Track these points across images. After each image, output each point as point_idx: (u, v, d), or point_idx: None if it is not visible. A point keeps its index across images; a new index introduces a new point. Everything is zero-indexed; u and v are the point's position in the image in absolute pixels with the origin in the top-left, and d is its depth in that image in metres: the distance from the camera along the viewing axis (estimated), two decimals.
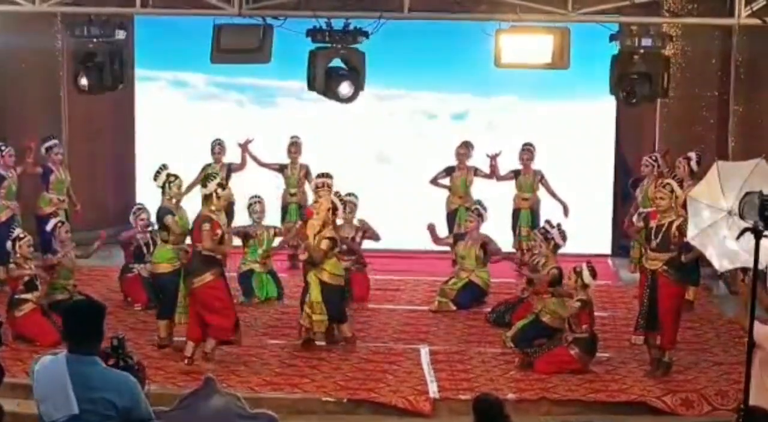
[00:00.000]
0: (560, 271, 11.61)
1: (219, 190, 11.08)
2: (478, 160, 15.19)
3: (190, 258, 11.15)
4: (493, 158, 15.11)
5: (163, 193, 11.55)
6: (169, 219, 11.40)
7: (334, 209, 11.79)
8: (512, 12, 12.88)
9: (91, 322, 5.90)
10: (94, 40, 13.63)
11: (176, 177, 11.57)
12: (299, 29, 13.07)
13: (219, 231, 10.96)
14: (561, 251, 12.23)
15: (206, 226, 10.89)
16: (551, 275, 11.62)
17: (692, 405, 10.24)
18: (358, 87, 13.09)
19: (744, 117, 15.18)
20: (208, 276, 10.89)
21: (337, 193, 12.04)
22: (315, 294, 11.51)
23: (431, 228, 13.69)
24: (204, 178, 11.79)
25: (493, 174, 15.17)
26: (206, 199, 11.18)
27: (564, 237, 12.12)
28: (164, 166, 11.65)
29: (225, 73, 16.22)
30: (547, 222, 12.53)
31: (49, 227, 12.41)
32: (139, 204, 13.78)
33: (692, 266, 12.76)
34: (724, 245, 8.05)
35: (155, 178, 11.66)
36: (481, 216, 13.60)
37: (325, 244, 11.46)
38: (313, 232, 11.56)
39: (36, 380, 5.94)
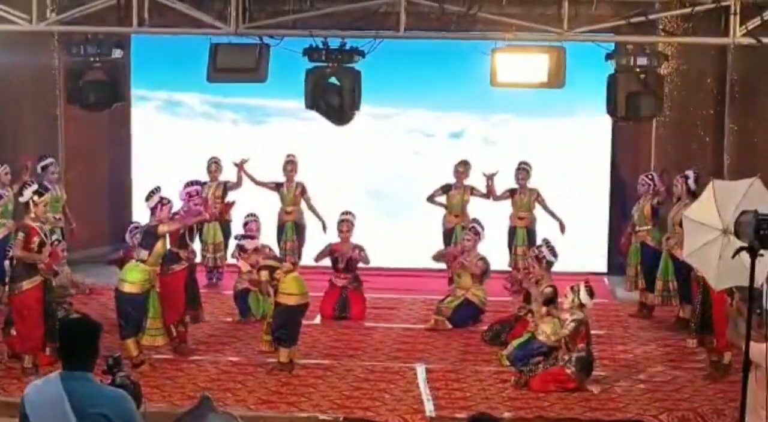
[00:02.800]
0: (555, 290, 11.63)
1: (35, 198, 11.22)
2: (475, 179, 15.22)
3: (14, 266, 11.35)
4: (490, 178, 15.14)
5: (152, 214, 11.71)
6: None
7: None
8: (508, 31, 12.92)
9: (87, 340, 5.89)
10: (91, 59, 13.68)
11: (168, 201, 11.73)
12: (296, 48, 13.12)
13: (35, 240, 11.06)
14: (557, 269, 12.25)
15: (20, 236, 11.10)
16: (545, 294, 11.65)
17: None
18: (353, 106, 13.15)
19: (739, 135, 15.22)
20: (24, 285, 11.04)
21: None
22: (270, 313, 11.90)
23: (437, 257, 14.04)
24: (20, 187, 11.91)
25: (490, 193, 15.20)
26: (25, 207, 11.34)
27: (554, 254, 12.14)
28: (157, 189, 11.83)
29: (221, 92, 16.27)
30: (544, 240, 12.55)
31: None
32: (135, 222, 13.77)
33: (689, 285, 12.80)
34: (719, 264, 8.05)
35: (147, 199, 11.83)
36: (478, 235, 13.62)
37: (263, 275, 11.60)
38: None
39: (30, 403, 5.87)
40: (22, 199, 11.47)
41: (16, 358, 11.43)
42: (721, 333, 11.03)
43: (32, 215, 11.20)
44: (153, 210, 11.71)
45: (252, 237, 12.48)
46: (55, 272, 11.68)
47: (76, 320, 6.94)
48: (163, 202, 11.66)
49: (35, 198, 11.21)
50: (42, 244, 11.13)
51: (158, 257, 11.57)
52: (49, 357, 11.07)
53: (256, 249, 11.95)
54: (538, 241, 13.24)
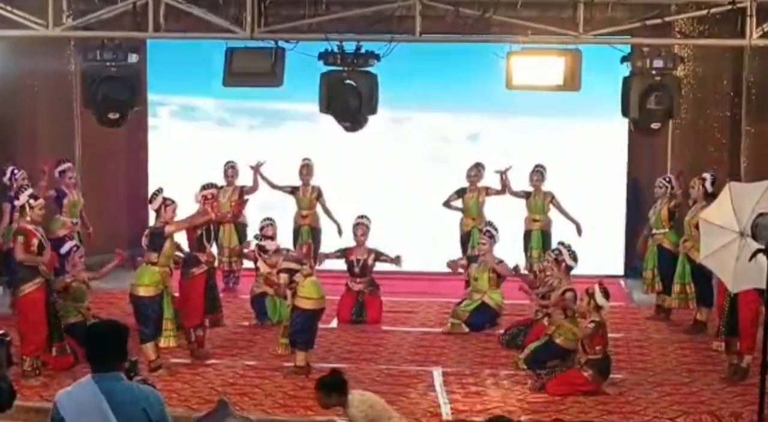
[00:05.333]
0: (574, 293, 11.60)
1: (31, 201, 11.24)
2: (489, 179, 15.22)
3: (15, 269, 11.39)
4: (504, 173, 15.13)
5: (158, 216, 11.73)
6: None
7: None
8: (524, 34, 12.93)
9: (117, 342, 5.94)
10: (107, 64, 13.73)
11: (172, 201, 11.70)
12: (311, 52, 13.14)
13: (35, 242, 11.10)
14: (573, 272, 12.23)
15: (20, 239, 11.10)
16: (566, 298, 11.62)
17: None
18: (370, 110, 13.18)
19: (756, 137, 15.19)
20: (28, 287, 11.09)
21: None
22: (287, 316, 11.87)
23: (452, 266, 13.84)
24: (16, 191, 12.00)
25: (505, 188, 15.18)
26: (21, 211, 11.37)
27: (575, 258, 12.12)
28: (160, 190, 11.82)
29: (237, 96, 16.28)
30: (560, 243, 12.53)
31: (64, 250, 12.41)
32: (150, 227, 13.80)
33: (707, 288, 12.79)
34: (736, 266, 8.04)
35: (151, 200, 11.85)
36: (493, 238, 13.61)
37: (282, 278, 11.57)
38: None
39: (64, 408, 5.85)
40: (17, 203, 11.54)
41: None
42: (746, 336, 11.02)
43: (28, 218, 11.24)
44: (158, 211, 11.72)
45: (272, 239, 12.49)
46: (56, 272, 11.69)
47: (105, 323, 6.98)
48: (167, 202, 11.64)
49: (31, 201, 11.25)
50: (41, 246, 11.17)
51: (168, 258, 11.58)
52: (56, 358, 11.13)
53: (276, 251, 11.96)
54: (554, 244, 13.22)
